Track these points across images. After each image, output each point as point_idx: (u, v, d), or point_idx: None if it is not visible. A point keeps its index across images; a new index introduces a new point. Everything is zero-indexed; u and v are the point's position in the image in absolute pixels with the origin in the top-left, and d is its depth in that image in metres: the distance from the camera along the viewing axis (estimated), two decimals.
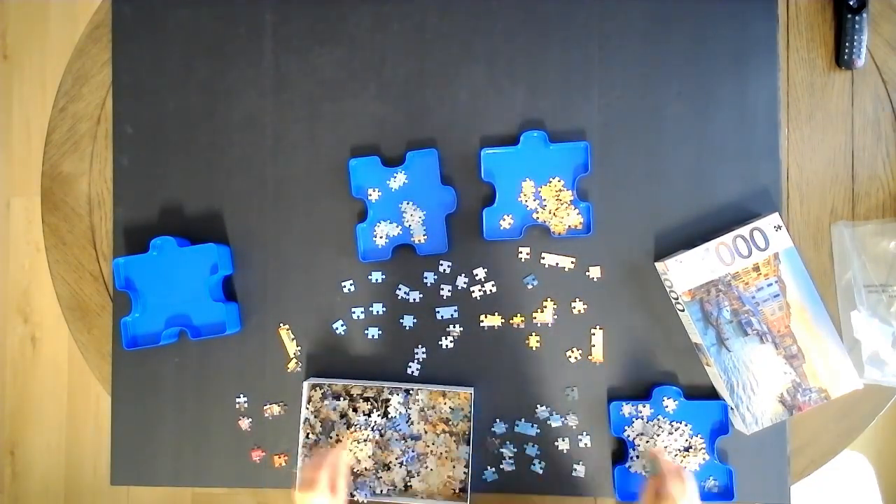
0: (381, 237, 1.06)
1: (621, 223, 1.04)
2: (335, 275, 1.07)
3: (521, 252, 1.05)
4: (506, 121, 1.06)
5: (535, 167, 1.03)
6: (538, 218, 1.03)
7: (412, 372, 1.06)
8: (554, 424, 1.04)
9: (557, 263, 1.05)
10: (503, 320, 1.05)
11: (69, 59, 1.14)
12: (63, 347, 2.02)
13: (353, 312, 1.07)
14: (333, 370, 1.07)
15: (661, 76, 1.04)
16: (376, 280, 1.07)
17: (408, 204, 1.05)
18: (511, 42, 1.06)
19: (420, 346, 1.06)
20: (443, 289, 1.06)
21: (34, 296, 2.04)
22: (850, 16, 1.01)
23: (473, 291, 1.05)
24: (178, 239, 1.05)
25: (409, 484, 1.04)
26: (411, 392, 1.04)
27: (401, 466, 1.04)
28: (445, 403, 1.04)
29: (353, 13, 1.09)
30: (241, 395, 1.08)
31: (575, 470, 1.03)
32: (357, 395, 1.05)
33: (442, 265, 1.06)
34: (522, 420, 1.04)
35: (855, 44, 1.02)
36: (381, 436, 1.04)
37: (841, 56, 1.03)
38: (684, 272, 0.97)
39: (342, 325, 1.07)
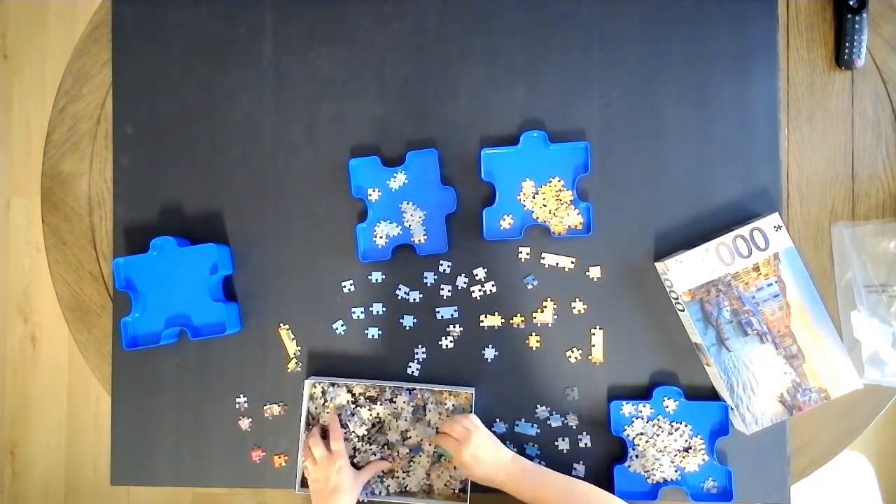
0: (381, 237, 1.06)
1: (621, 223, 1.04)
2: (335, 275, 1.07)
3: (521, 252, 1.05)
4: (506, 121, 1.06)
5: (535, 167, 1.03)
6: (538, 218, 1.03)
7: (412, 372, 1.06)
8: (554, 424, 1.04)
9: (557, 263, 1.05)
10: (503, 320, 1.05)
11: (69, 59, 1.13)
12: (63, 347, 2.02)
13: (353, 312, 1.07)
14: (333, 370, 1.07)
15: (661, 76, 1.04)
16: (376, 280, 1.07)
17: (408, 204, 1.05)
18: (511, 42, 1.06)
19: (420, 346, 1.06)
20: (443, 289, 1.06)
21: (34, 296, 2.04)
22: (850, 16, 1.01)
23: (473, 291, 1.05)
24: (178, 239, 1.05)
25: (408, 484, 1.04)
26: (413, 392, 1.05)
27: (402, 470, 1.04)
28: (446, 404, 1.04)
29: (353, 13, 1.09)
30: (241, 395, 1.08)
31: (575, 469, 1.03)
32: (359, 393, 1.05)
33: (442, 265, 1.06)
34: (522, 420, 1.04)
35: (855, 44, 1.02)
36: (382, 435, 1.04)
37: (841, 56, 1.03)
38: (684, 272, 0.97)
39: (342, 325, 1.07)
